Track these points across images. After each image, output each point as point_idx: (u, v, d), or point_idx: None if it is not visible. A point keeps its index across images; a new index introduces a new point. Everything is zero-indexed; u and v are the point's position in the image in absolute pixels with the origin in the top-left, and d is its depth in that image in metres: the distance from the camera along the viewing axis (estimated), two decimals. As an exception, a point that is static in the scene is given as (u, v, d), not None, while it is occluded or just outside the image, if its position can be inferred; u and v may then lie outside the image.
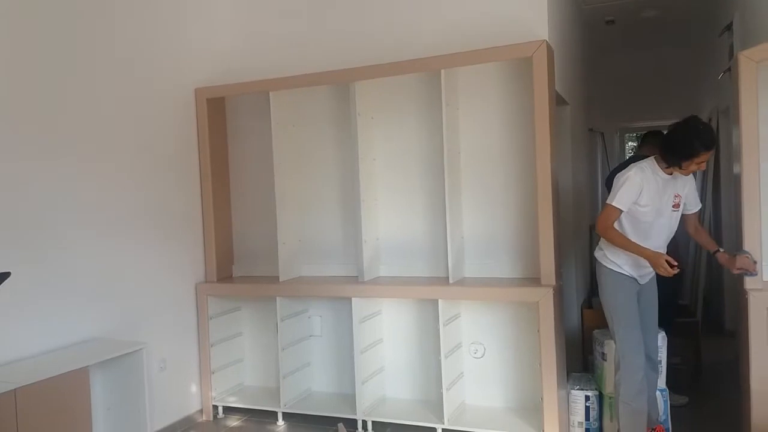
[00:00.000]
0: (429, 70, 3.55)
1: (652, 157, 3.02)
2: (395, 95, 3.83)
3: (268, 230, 4.01)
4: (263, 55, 4.16)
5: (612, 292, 3.08)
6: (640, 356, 3.02)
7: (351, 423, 3.66)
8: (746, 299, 2.92)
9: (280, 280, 3.89)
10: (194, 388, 4.02)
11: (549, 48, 3.37)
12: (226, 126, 4.31)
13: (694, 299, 5.33)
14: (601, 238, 3.11)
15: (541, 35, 3.42)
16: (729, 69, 3.86)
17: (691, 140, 2.81)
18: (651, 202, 2.93)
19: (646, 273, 3.07)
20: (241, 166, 4.29)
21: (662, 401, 3.38)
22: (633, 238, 2.96)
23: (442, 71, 3.45)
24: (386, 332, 3.93)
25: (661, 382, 3.39)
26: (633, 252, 2.94)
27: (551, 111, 3.34)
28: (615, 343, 3.08)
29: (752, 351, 2.90)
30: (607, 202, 2.98)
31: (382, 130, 3.87)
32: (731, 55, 4.23)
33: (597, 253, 3.18)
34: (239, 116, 4.29)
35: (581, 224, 5.35)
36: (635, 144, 12.00)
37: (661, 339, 3.37)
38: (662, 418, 3.37)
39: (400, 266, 3.86)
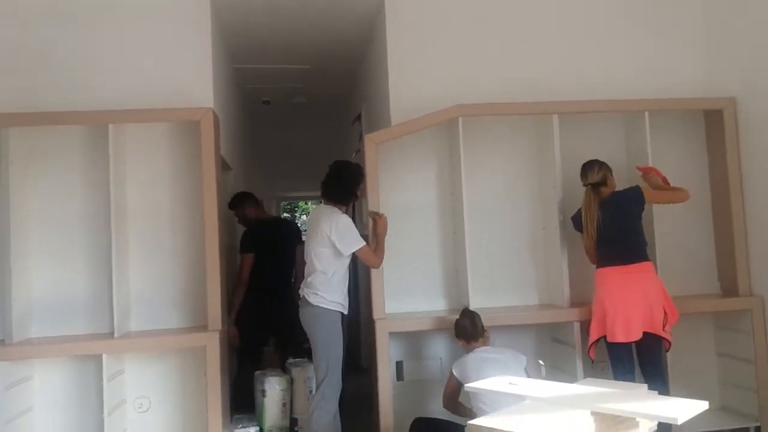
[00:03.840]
0: (94, 123, 3.58)
1: (328, 205, 3.61)
2: (56, 145, 3.70)
3: None
4: None
5: (330, 331, 3.48)
6: (339, 393, 3.49)
7: None
8: (374, 326, 3.65)
9: None
10: None
11: (215, 115, 3.76)
12: None
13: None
14: (315, 285, 3.47)
15: (207, 104, 3.79)
16: (359, 150, 4.84)
17: (357, 173, 3.64)
18: None
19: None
20: None
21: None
22: (344, 276, 3.54)
23: (110, 125, 3.52)
24: (38, 399, 3.58)
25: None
26: (383, 243, 3.52)
27: (218, 173, 3.69)
28: (319, 381, 3.44)
29: (379, 366, 3.61)
30: (358, 248, 3.45)
31: (38, 181, 3.66)
32: (360, 138, 5.27)
33: (312, 298, 3.47)
34: None
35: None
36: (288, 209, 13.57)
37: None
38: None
39: (57, 325, 3.61)
